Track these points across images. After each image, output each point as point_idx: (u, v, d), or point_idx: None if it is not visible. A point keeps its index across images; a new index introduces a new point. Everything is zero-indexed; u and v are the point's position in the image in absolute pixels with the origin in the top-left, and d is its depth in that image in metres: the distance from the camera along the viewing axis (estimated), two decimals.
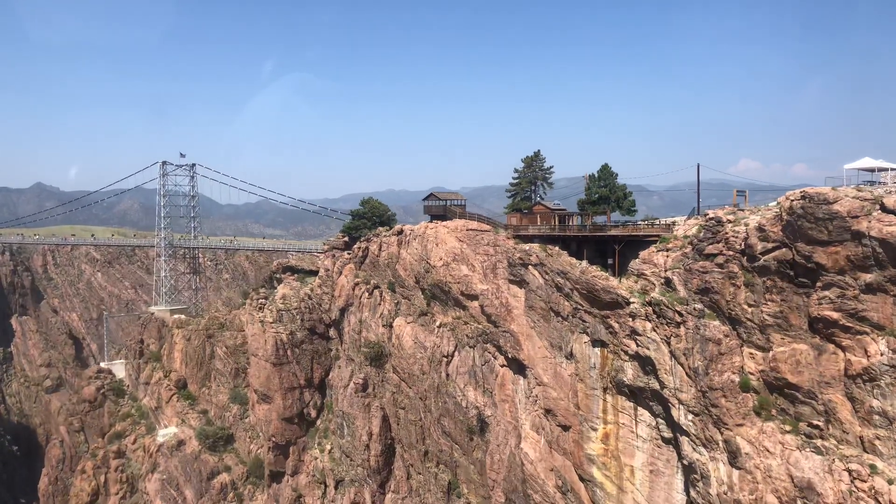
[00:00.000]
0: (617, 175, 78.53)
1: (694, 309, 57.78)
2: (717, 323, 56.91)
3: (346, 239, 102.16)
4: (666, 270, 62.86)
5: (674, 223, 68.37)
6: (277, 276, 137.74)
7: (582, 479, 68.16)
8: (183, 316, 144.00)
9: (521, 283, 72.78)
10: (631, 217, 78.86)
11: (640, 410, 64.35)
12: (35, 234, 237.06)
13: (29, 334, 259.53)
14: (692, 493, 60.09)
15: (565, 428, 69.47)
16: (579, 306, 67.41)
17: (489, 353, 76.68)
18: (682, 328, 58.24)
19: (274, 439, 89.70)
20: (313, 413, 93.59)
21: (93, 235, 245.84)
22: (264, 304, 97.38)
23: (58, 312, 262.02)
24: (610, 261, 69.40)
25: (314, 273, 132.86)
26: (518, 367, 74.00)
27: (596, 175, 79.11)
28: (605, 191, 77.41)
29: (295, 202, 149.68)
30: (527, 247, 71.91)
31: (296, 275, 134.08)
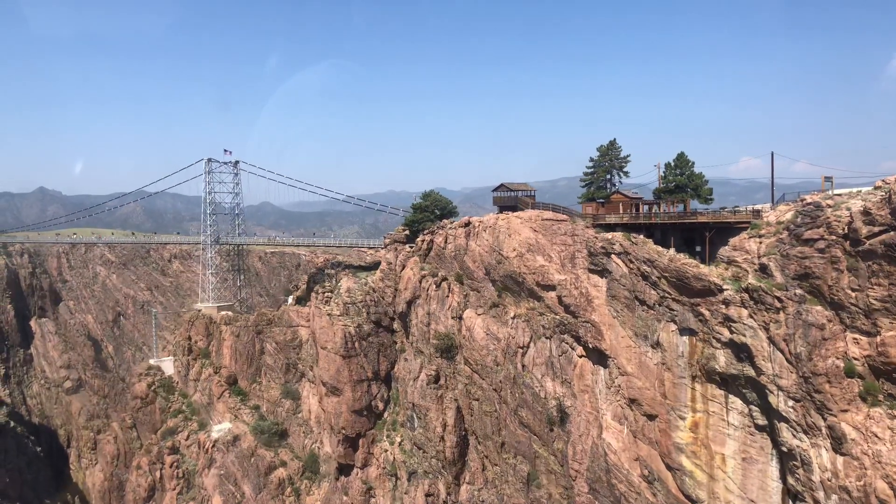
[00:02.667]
0: (693, 163, 79.02)
1: (795, 294, 58.35)
2: (819, 308, 57.44)
3: (408, 232, 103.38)
4: (760, 257, 63.38)
5: (760, 210, 68.77)
6: (327, 271, 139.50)
7: (669, 468, 68.88)
8: (230, 312, 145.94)
9: (603, 272, 73.57)
10: (707, 205, 79.29)
11: (732, 398, 65.02)
12: (73, 234, 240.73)
13: (48, 336, 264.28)
14: (790, 480, 60.71)
15: (651, 417, 70.21)
16: (667, 295, 68.11)
17: (566, 343, 77.55)
18: (782, 314, 58.84)
19: (344, 431, 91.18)
20: (380, 406, 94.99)
21: (132, 233, 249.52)
22: (330, 298, 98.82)
23: (73, 314, 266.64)
24: (699, 248, 70.04)
25: (364, 268, 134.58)
26: (598, 357, 74.79)
27: (672, 163, 79.66)
28: (682, 179, 77.95)
29: (355, 200, 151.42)
30: (609, 235, 72.69)
31: (346, 270, 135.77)
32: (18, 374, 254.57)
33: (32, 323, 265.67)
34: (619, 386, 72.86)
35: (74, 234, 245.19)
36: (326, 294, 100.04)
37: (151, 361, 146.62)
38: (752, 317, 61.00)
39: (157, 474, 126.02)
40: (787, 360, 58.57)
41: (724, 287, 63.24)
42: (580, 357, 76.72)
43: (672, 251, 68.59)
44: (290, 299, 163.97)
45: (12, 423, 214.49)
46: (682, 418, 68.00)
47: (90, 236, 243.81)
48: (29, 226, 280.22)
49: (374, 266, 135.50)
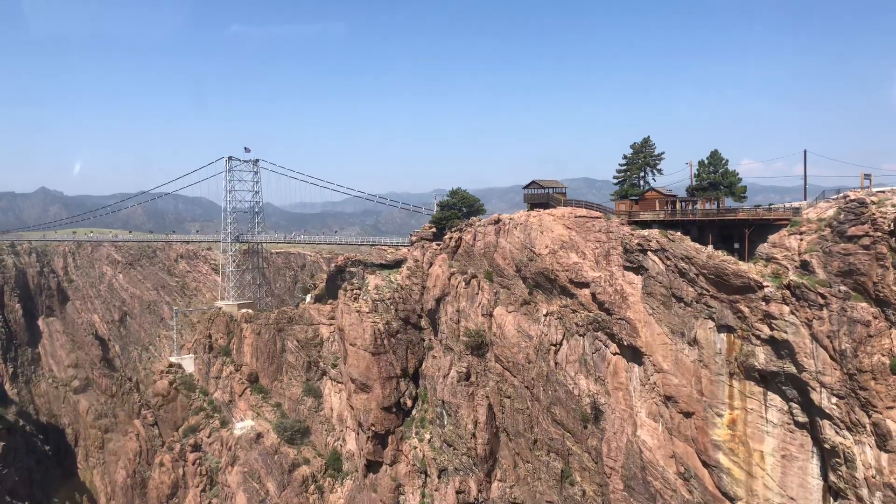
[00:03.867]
0: (727, 161, 79.26)
1: (839, 291, 58.57)
2: (864, 305, 57.69)
3: (434, 230, 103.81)
4: (801, 254, 63.64)
5: (799, 207, 68.96)
6: (349, 269, 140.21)
7: (706, 465, 69.10)
8: (250, 310, 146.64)
9: (639, 269, 73.82)
10: (740, 203, 79.42)
11: (771, 395, 65.24)
12: (90, 232, 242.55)
13: (56, 335, 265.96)
14: (832, 477, 60.93)
15: (687, 414, 70.43)
16: (704, 291, 68.32)
17: (600, 341, 77.79)
18: (826, 311, 59.08)
19: (374, 428, 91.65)
20: (409, 403, 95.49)
21: (150, 232, 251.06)
22: (358, 295, 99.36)
23: (80, 313, 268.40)
24: (737, 245, 70.33)
25: (386, 266, 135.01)
26: (632, 354, 75.01)
27: (706, 161, 79.91)
28: (716, 176, 78.19)
29: (377, 198, 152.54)
30: (646, 232, 72.97)
31: (367, 268, 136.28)
32: (26, 372, 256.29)
33: (40, 322, 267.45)
34: (655, 383, 73.08)
35: (91, 232, 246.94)
36: (355, 291, 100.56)
37: (172, 359, 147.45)
38: (793, 314, 61.20)
39: (180, 472, 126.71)
40: (830, 357, 58.78)
41: (765, 284, 63.45)
42: (614, 354, 76.92)
43: (710, 248, 68.83)
44: (308, 298, 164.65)
45: (21, 422, 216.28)
46: (720, 415, 68.19)
47: (108, 234, 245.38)
48: (38, 226, 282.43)
49: (395, 264, 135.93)
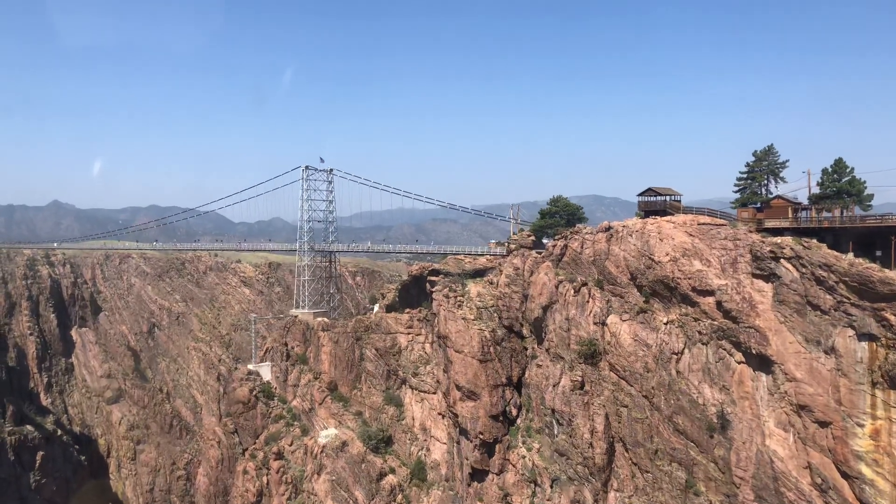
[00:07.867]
0: (853, 168, 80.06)
1: None
2: None
3: (533, 238, 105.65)
4: None
5: None
6: (429, 279, 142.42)
7: (845, 476, 69.52)
8: (326, 319, 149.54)
9: (770, 277, 74.81)
10: (865, 211, 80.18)
11: None
12: (155, 242, 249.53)
13: (89, 346, 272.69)
14: None
15: (823, 424, 71.00)
16: (844, 300, 69.06)
17: (724, 349, 78.80)
18: None
19: (482, 436, 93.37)
20: (514, 411, 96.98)
21: (196, 240, 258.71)
22: (462, 302, 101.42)
23: (112, 324, 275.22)
24: (878, 253, 70.90)
25: (466, 275, 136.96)
26: (759, 363, 75.86)
27: (830, 169, 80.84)
28: (842, 184, 79.01)
29: (460, 207, 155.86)
30: (778, 240, 74.12)
31: (447, 277, 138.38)
32: (60, 383, 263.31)
33: (73, 332, 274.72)
34: (786, 392, 73.76)
35: (156, 241, 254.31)
36: (458, 298, 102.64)
37: (250, 367, 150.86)
38: None
39: (264, 479, 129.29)
40: None
41: None
42: (739, 363, 77.86)
43: (850, 255, 69.61)
44: (377, 307, 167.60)
45: (59, 432, 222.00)
46: (861, 425, 68.61)
47: (164, 244, 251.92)
48: (97, 235, 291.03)
49: (475, 273, 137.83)
